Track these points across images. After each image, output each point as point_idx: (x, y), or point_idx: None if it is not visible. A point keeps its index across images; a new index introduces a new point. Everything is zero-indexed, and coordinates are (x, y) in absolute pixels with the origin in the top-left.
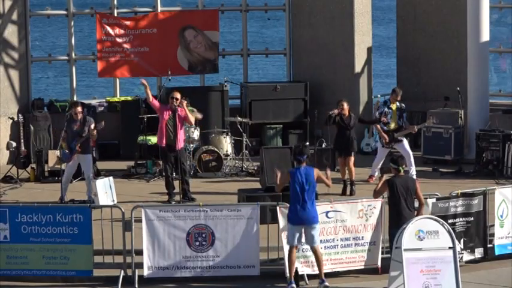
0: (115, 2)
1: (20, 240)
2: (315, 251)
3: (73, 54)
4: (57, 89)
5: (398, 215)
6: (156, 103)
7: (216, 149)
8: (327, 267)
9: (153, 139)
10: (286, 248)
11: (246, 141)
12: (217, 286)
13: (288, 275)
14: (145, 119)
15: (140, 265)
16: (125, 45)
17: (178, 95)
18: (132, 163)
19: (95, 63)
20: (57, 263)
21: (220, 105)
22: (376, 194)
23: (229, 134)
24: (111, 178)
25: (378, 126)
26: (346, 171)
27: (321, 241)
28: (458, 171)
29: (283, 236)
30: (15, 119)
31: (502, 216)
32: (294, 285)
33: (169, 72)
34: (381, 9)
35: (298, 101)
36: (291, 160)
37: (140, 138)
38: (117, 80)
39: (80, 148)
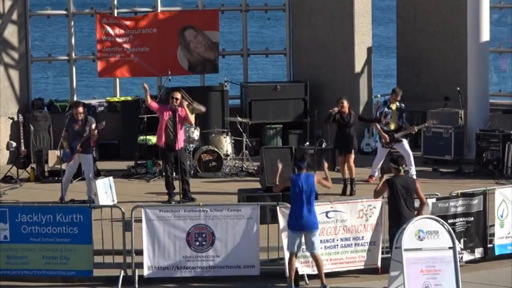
0: (115, 2)
1: (20, 240)
2: (315, 257)
3: (73, 54)
4: (57, 89)
5: (398, 215)
6: (154, 105)
7: (216, 149)
8: (327, 267)
9: (153, 139)
10: (286, 254)
11: (246, 141)
12: (217, 286)
13: (288, 280)
14: (145, 119)
15: (140, 265)
16: (125, 45)
17: (178, 95)
18: (132, 163)
19: (95, 63)
20: (57, 263)
21: (220, 105)
22: (377, 194)
23: (229, 134)
24: (111, 178)
25: (378, 126)
26: (347, 171)
27: (321, 241)
28: (458, 171)
29: (283, 236)
30: (15, 119)
31: (502, 216)
32: None
33: (169, 72)
34: (381, 9)
35: (298, 101)
36: (292, 166)
37: (140, 138)
38: (117, 80)
39: (80, 148)
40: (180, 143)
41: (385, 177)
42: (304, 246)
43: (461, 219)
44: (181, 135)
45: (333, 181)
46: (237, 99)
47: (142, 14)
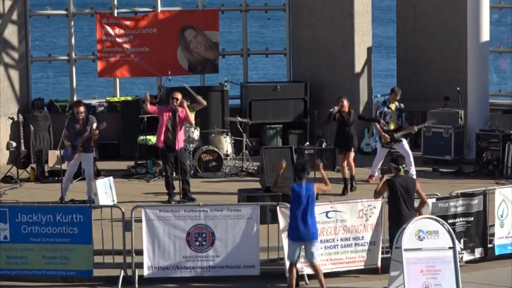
0: (115, 2)
1: (20, 240)
2: (313, 266)
3: (73, 54)
4: (57, 89)
5: (398, 215)
6: (154, 108)
7: (216, 149)
8: (327, 267)
9: (153, 139)
10: (286, 262)
11: (246, 141)
12: (217, 286)
13: (288, 286)
14: (145, 119)
15: (140, 265)
16: (125, 45)
17: (179, 95)
18: (132, 163)
19: (95, 63)
20: (57, 263)
21: (220, 105)
22: (377, 195)
23: (229, 134)
24: (111, 178)
25: (378, 126)
26: (347, 171)
27: (321, 241)
28: (458, 171)
29: (283, 236)
30: (15, 119)
31: (502, 216)
32: None
33: (169, 72)
34: (381, 9)
35: (298, 101)
36: (293, 175)
37: (140, 138)
38: (117, 80)
39: (81, 147)
40: (180, 143)
41: (385, 177)
42: (303, 258)
43: (461, 219)
44: (181, 136)
45: (333, 181)
46: (237, 99)
47: (142, 14)
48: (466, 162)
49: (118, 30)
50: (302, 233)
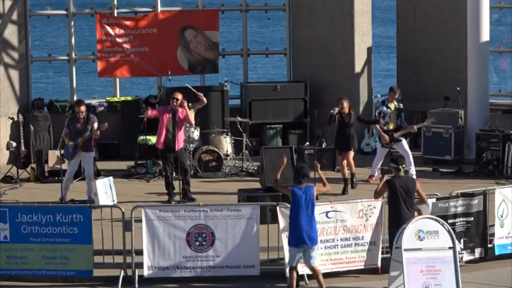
0: (115, 2)
1: (20, 240)
2: (313, 269)
3: (73, 54)
4: (57, 89)
5: (397, 215)
6: (154, 113)
7: (216, 149)
8: (327, 267)
9: (153, 139)
10: (287, 268)
11: (246, 141)
12: (217, 286)
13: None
14: (145, 119)
15: (140, 265)
16: (125, 45)
17: (179, 96)
18: (132, 163)
19: (95, 63)
20: (57, 263)
21: (220, 105)
22: (377, 195)
23: (229, 134)
24: (111, 178)
25: (377, 126)
26: (347, 171)
27: (321, 241)
28: (458, 171)
29: (283, 236)
30: (15, 119)
31: (502, 216)
32: None
33: (169, 72)
34: (380, 9)
35: (298, 101)
36: (293, 179)
37: (140, 138)
38: (117, 80)
39: (82, 146)
40: (180, 144)
41: (385, 177)
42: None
43: (461, 219)
44: (181, 136)
45: (333, 181)
46: (237, 99)
47: (142, 14)
48: (466, 162)
49: (118, 30)
50: (302, 239)
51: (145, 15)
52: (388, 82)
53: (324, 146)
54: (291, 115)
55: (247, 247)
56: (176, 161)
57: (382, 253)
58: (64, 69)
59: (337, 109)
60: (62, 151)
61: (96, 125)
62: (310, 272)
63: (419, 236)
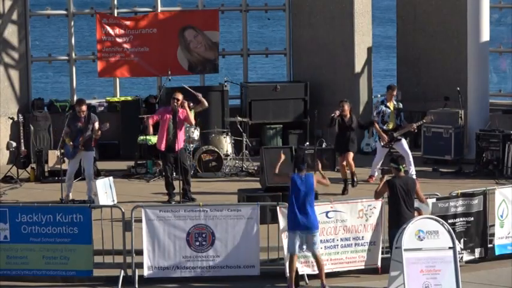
0: (115, 2)
1: (20, 240)
2: (316, 257)
3: (73, 54)
4: (57, 89)
5: (398, 215)
6: (155, 119)
7: (216, 149)
8: (327, 267)
9: (153, 139)
10: (286, 255)
11: (246, 141)
12: (217, 286)
13: (288, 281)
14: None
15: (140, 265)
16: (125, 45)
17: (179, 96)
18: (132, 163)
19: (95, 63)
20: (57, 263)
21: (220, 105)
22: (377, 195)
23: (229, 134)
24: (111, 178)
25: (377, 126)
26: (347, 171)
27: (321, 241)
28: (458, 171)
29: (283, 236)
30: (15, 119)
31: (502, 216)
32: None
33: (169, 72)
34: (380, 9)
35: (298, 101)
36: (293, 167)
37: (140, 138)
38: (117, 80)
39: (82, 146)
40: (180, 144)
41: (386, 178)
42: (305, 247)
43: (461, 219)
44: (181, 136)
45: (333, 181)
46: (237, 99)
47: (142, 14)
48: (466, 162)
49: (118, 30)
50: (301, 222)
51: (145, 15)
52: (388, 82)
53: (324, 146)
54: (291, 115)
55: (247, 247)
56: (176, 161)
57: (382, 253)
58: (64, 69)
59: (338, 112)
60: (62, 150)
61: (97, 124)
62: (310, 272)
63: (419, 236)
